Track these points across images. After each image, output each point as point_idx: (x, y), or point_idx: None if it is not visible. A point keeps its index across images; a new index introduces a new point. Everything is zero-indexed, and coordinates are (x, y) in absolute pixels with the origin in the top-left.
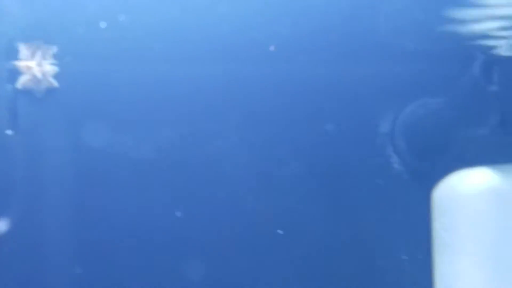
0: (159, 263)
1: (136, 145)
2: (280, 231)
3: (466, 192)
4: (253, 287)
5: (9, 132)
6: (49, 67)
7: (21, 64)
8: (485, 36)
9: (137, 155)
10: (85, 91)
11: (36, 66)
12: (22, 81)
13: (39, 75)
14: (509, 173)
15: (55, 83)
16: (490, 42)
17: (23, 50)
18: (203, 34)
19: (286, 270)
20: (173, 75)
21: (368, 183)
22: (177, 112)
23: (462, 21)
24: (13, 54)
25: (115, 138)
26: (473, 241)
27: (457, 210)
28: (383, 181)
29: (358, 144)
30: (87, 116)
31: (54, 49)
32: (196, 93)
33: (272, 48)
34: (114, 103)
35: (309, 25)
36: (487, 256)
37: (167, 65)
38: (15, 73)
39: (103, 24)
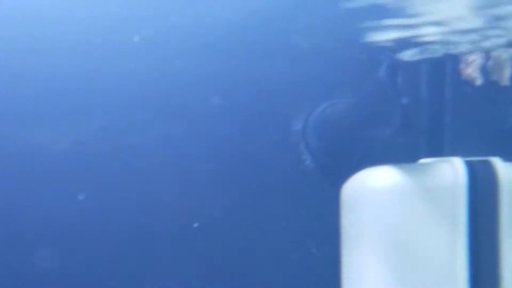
0: (75, 255)
1: (52, 138)
2: (195, 224)
3: (370, 189)
4: (170, 279)
5: None
6: None
7: None
8: (391, 43)
9: (53, 147)
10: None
11: None
12: None
13: None
14: (410, 171)
15: None
16: (395, 48)
17: None
18: (120, 30)
19: (200, 262)
20: (90, 70)
21: (281, 179)
22: (94, 106)
23: (371, 29)
24: None
25: (33, 131)
26: (377, 235)
27: (363, 206)
28: (295, 177)
29: (272, 141)
30: (3, 109)
31: None
32: (113, 88)
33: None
34: (31, 97)
35: (226, 25)
36: (389, 249)
37: (84, 60)
38: None
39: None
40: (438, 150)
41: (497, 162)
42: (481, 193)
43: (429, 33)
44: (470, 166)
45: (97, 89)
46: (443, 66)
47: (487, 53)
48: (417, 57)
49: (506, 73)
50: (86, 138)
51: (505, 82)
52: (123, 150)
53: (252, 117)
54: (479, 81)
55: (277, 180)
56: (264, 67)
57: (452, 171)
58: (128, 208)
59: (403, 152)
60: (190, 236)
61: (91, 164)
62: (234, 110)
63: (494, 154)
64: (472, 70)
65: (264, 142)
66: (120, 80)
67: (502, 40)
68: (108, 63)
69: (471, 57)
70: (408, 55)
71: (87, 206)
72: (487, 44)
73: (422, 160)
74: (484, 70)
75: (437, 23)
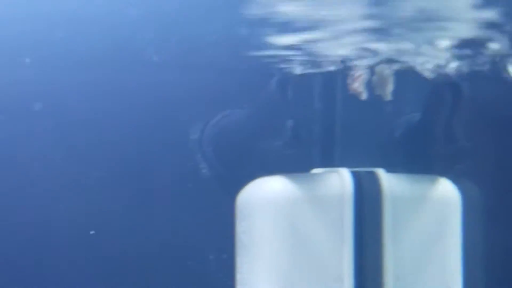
0: None
1: None
2: (91, 232)
3: (263, 198)
4: (65, 286)
5: None
6: None
7: None
8: (283, 57)
9: None
10: None
11: None
12: None
13: None
14: (301, 181)
15: None
16: (288, 61)
17: None
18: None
19: (97, 269)
20: None
21: (178, 187)
22: None
23: (265, 42)
24: None
25: None
26: (268, 242)
27: (255, 214)
28: (192, 185)
29: (169, 150)
30: None
31: None
32: (9, 95)
33: None
34: None
35: (119, 35)
36: (279, 256)
37: None
38: None
39: None
40: (329, 161)
41: (382, 173)
42: (366, 202)
43: (319, 48)
44: (357, 176)
45: None
46: (333, 80)
47: (371, 68)
48: (309, 71)
49: (389, 88)
50: None
51: (388, 96)
52: (15, 157)
53: (148, 126)
54: (364, 95)
55: (174, 188)
56: (161, 77)
57: (340, 181)
58: (19, 216)
59: (295, 162)
60: (86, 243)
61: None
62: (131, 119)
63: (379, 166)
64: (358, 84)
65: (161, 151)
66: (18, 88)
67: (384, 57)
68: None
69: (357, 72)
70: (299, 69)
71: None
72: (371, 60)
73: (313, 171)
74: (369, 85)
75: (326, 40)
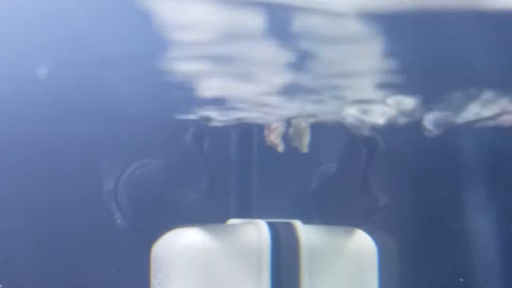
0: None
1: None
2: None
3: (178, 249)
4: None
5: None
6: None
7: None
8: (200, 108)
9: None
10: None
11: None
12: None
13: None
14: (217, 232)
15: None
16: (205, 114)
17: None
18: None
19: None
20: None
21: (92, 237)
22: None
23: (180, 94)
24: None
25: None
26: None
27: (171, 266)
28: (107, 236)
29: (83, 201)
30: None
31: None
32: None
33: None
34: None
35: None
36: None
37: None
38: None
39: None
40: (245, 212)
41: (298, 224)
42: (284, 253)
43: (234, 105)
44: (273, 228)
45: None
46: (250, 132)
47: (288, 121)
48: (225, 124)
49: (305, 141)
50: None
51: (304, 149)
52: None
53: (62, 176)
54: (280, 148)
55: (88, 239)
56: (76, 128)
57: (257, 232)
58: None
59: (211, 213)
60: None
61: None
62: (44, 169)
63: (295, 217)
64: (274, 136)
65: (74, 201)
66: None
67: (301, 110)
68: None
69: (274, 125)
70: (216, 121)
71: None
72: (287, 113)
73: (230, 221)
74: (285, 137)
75: (242, 99)
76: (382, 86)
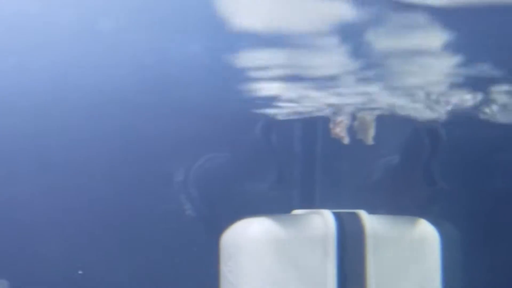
0: None
1: None
2: (80, 272)
3: (247, 238)
4: None
5: None
6: None
7: None
8: (266, 103)
9: None
10: None
11: None
12: None
13: None
14: (284, 222)
15: None
16: (271, 108)
17: None
18: None
19: None
20: None
21: (163, 227)
22: None
23: (249, 89)
24: None
25: None
26: (253, 282)
27: (240, 254)
28: (177, 226)
29: (155, 192)
30: None
31: None
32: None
33: None
34: None
35: (105, 84)
36: None
37: None
38: None
39: None
40: (310, 202)
41: (363, 214)
42: (349, 242)
43: (303, 96)
44: (339, 217)
45: None
46: (314, 125)
47: (353, 114)
48: (291, 117)
49: (371, 133)
50: None
51: (369, 141)
52: (2, 202)
53: (135, 169)
54: (346, 140)
55: (159, 229)
56: (150, 123)
57: (322, 222)
58: (8, 262)
59: (277, 203)
60: (75, 283)
61: None
62: (116, 163)
63: (360, 207)
64: (340, 129)
65: (146, 193)
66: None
67: (366, 104)
68: None
69: (339, 118)
70: (282, 114)
71: None
72: (353, 107)
73: (295, 211)
74: (351, 129)
75: (310, 88)
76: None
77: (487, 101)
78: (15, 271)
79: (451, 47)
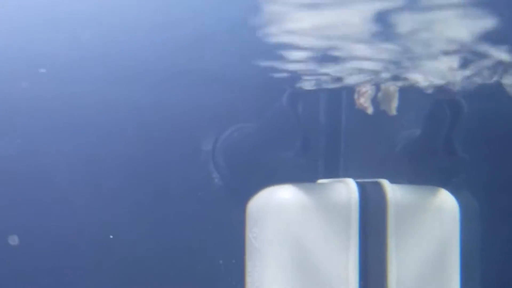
0: None
1: None
2: (110, 236)
3: (274, 205)
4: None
5: None
6: None
7: None
8: (293, 74)
9: None
10: None
11: None
12: None
13: None
14: (309, 190)
15: None
16: (297, 78)
17: None
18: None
19: (111, 273)
20: (12, 88)
21: (191, 195)
22: (14, 123)
23: (277, 60)
24: None
25: None
26: (278, 247)
27: (266, 221)
28: (204, 194)
29: (183, 161)
30: None
31: None
32: (32, 108)
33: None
34: None
35: (137, 53)
36: (288, 260)
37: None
38: None
39: None
40: (334, 171)
41: (386, 183)
42: (371, 211)
43: (327, 68)
44: (362, 186)
45: (17, 108)
46: (339, 96)
47: (377, 85)
48: (316, 88)
49: (394, 104)
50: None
51: (393, 112)
52: (38, 166)
53: (164, 139)
54: (370, 110)
55: (187, 196)
56: (177, 93)
57: (346, 190)
58: (44, 221)
59: (302, 172)
60: (105, 247)
61: (9, 181)
62: (148, 132)
63: (382, 177)
64: (364, 100)
65: (175, 161)
66: (40, 97)
67: (389, 75)
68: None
69: (363, 89)
70: (308, 85)
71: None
72: (377, 77)
73: (320, 180)
74: (374, 100)
75: (335, 59)
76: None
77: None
78: (48, 235)
79: None
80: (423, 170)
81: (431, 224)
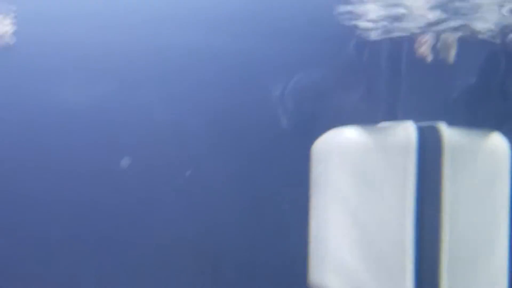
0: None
1: (73, 95)
2: (188, 172)
3: (338, 145)
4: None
5: None
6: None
7: None
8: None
9: (73, 103)
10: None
11: None
12: None
13: None
14: (371, 132)
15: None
16: (362, 27)
17: None
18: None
19: (189, 208)
20: (112, 42)
21: (261, 137)
22: (107, 72)
23: (344, 12)
24: None
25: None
26: (341, 183)
27: (331, 159)
28: (273, 136)
29: (254, 105)
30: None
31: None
32: (123, 58)
33: None
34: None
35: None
36: (350, 195)
37: (107, 32)
38: None
39: None
40: (395, 115)
41: (442, 127)
42: (429, 152)
43: (391, 17)
44: (420, 129)
45: (118, 65)
46: (401, 45)
47: (437, 35)
48: (380, 37)
49: (452, 53)
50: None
51: (451, 60)
52: (130, 109)
53: (238, 85)
54: (430, 58)
55: (258, 138)
56: (250, 43)
57: (405, 132)
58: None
59: (365, 116)
60: (183, 183)
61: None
62: (224, 78)
63: (440, 120)
64: (424, 49)
65: (247, 106)
66: (126, 50)
67: (449, 25)
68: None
69: (424, 38)
70: (373, 35)
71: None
72: (437, 27)
73: (382, 123)
74: (434, 49)
75: (397, 12)
76: None
77: None
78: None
79: None
80: (478, 115)
81: (484, 165)
